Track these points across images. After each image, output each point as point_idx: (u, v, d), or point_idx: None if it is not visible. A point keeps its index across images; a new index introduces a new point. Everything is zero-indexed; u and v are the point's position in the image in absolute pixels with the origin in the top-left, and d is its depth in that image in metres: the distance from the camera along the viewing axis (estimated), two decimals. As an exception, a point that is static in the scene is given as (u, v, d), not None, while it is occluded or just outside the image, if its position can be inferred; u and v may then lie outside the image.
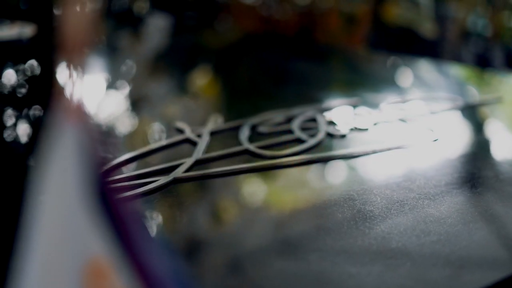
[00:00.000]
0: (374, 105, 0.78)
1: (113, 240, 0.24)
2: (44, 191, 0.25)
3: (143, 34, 1.51)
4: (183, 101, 0.88)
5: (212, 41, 1.48)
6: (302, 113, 0.71)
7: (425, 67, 1.18)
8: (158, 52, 1.29)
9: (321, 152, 0.61)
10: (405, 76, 1.08)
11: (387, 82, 1.04)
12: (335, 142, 0.65)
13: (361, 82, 1.02)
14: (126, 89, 0.91)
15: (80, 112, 0.24)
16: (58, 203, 0.25)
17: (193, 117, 0.76)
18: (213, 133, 0.65)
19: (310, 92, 0.93)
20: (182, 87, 1.00)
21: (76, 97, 0.24)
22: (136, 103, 0.85)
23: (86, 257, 0.25)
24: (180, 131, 0.65)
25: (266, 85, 1.02)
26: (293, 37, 1.56)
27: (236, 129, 0.67)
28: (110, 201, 0.24)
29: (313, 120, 0.70)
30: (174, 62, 1.16)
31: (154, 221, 0.47)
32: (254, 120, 0.69)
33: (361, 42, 1.65)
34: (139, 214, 0.42)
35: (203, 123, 0.67)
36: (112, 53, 1.22)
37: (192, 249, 0.44)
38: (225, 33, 1.54)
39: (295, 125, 0.67)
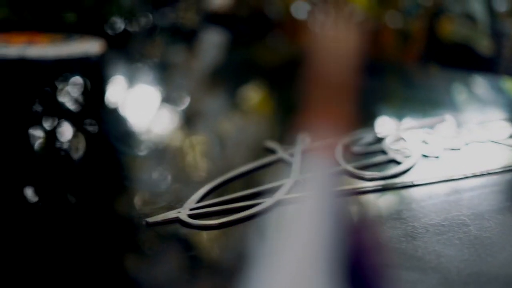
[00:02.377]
0: (458, 124, 0.76)
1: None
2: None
3: (197, 49, 1.50)
4: (254, 119, 0.87)
5: (267, 56, 1.47)
6: (390, 133, 0.70)
7: (486, 84, 1.16)
8: (213, 68, 1.28)
9: (419, 174, 0.59)
10: (470, 93, 1.06)
11: (456, 100, 1.02)
12: (431, 163, 0.63)
13: (429, 99, 0.99)
14: (192, 108, 0.90)
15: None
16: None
17: (269, 135, 0.74)
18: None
19: (382, 110, 0.91)
20: (243, 104, 0.98)
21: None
22: (210, 123, 0.84)
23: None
24: (271, 151, 0.64)
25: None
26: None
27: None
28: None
29: (403, 140, 0.68)
30: (230, 78, 1.15)
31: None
32: (345, 139, 0.67)
33: (416, 58, 1.62)
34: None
35: (281, 141, 0.66)
36: (165, 68, 1.21)
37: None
38: (279, 48, 1.52)
39: (387, 145, 0.65)
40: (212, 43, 1.56)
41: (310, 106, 0.95)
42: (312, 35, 1.30)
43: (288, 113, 0.89)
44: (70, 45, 1.08)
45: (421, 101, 0.97)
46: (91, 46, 1.08)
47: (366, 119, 0.83)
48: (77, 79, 1.02)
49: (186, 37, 1.56)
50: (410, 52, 1.63)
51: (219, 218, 0.48)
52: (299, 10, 1.65)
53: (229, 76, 1.18)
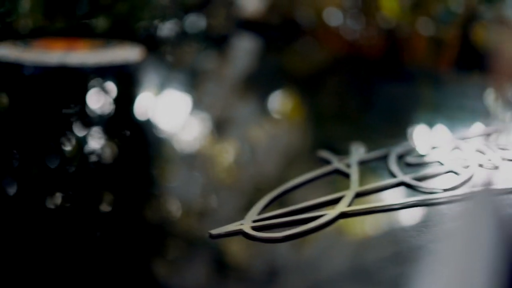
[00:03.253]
0: (507, 133, 0.75)
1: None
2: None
3: (229, 55, 1.50)
4: (299, 127, 0.86)
5: (300, 63, 1.47)
6: (442, 142, 0.69)
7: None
8: (248, 75, 1.27)
9: (479, 186, 0.58)
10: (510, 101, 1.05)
11: (497, 108, 1.01)
12: (492, 173, 0.61)
13: (471, 107, 0.98)
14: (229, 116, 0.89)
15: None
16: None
17: (319, 144, 0.73)
18: (360, 163, 0.62)
19: (425, 118, 0.90)
20: (284, 112, 0.98)
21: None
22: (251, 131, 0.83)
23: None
24: (326, 161, 0.63)
25: (369, 111, 0.99)
26: (380, 60, 1.54)
27: (382, 159, 0.64)
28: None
29: (457, 149, 0.67)
30: (266, 85, 1.14)
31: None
32: (399, 149, 0.66)
33: (449, 64, 1.61)
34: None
35: (333, 150, 0.65)
36: (197, 75, 1.20)
37: None
38: (310, 56, 1.52)
39: (443, 155, 0.64)
40: (245, 49, 1.55)
41: (355, 114, 0.94)
42: (344, 42, 1.30)
43: (333, 122, 0.88)
44: (110, 52, 1.08)
45: (462, 109, 0.96)
46: (130, 53, 1.08)
47: (412, 128, 0.82)
48: (118, 86, 1.02)
49: (218, 43, 1.56)
50: (443, 59, 1.62)
51: (283, 231, 0.47)
52: (331, 17, 1.64)
53: (264, 83, 1.17)
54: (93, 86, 0.99)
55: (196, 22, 1.61)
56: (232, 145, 0.74)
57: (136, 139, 0.78)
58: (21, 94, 0.94)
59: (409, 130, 0.80)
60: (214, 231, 0.47)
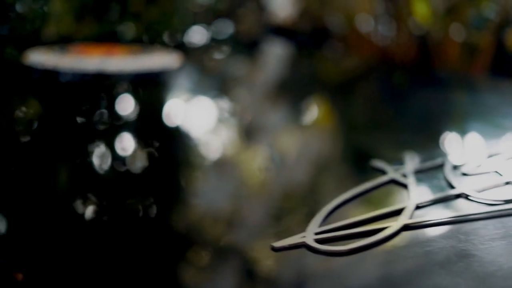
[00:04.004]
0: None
1: None
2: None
3: (258, 61, 1.49)
4: (345, 136, 0.85)
5: (333, 69, 1.45)
6: (496, 152, 0.67)
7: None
8: (278, 81, 1.26)
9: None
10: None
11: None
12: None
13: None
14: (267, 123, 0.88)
15: None
16: None
17: (369, 153, 0.72)
18: (416, 173, 0.61)
19: (471, 126, 0.89)
20: (326, 120, 0.96)
21: None
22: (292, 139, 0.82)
23: None
24: (381, 170, 0.62)
25: (408, 118, 0.98)
26: (412, 66, 1.52)
27: (437, 168, 0.63)
28: None
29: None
30: (301, 92, 1.13)
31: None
32: (453, 158, 0.64)
33: (483, 70, 1.59)
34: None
35: (385, 160, 0.63)
36: (230, 81, 1.20)
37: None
38: (342, 62, 1.50)
39: (498, 165, 0.63)
40: (276, 55, 1.54)
41: (393, 122, 0.92)
42: (376, 48, 1.29)
43: (374, 130, 0.87)
44: (147, 58, 1.07)
45: (506, 116, 0.94)
46: (167, 59, 1.07)
47: (459, 136, 0.80)
48: (154, 93, 1.02)
49: (249, 49, 1.55)
50: (477, 65, 1.60)
51: (346, 243, 0.46)
52: (362, 23, 1.62)
53: (298, 89, 1.16)
54: (131, 93, 0.99)
55: (226, 28, 1.60)
56: (280, 155, 0.73)
57: (178, 147, 0.77)
58: (59, 101, 0.93)
59: (456, 139, 0.79)
60: (277, 244, 0.46)
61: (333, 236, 0.48)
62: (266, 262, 0.46)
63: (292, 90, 1.16)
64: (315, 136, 0.86)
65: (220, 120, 0.90)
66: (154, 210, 0.55)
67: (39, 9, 1.51)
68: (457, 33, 1.58)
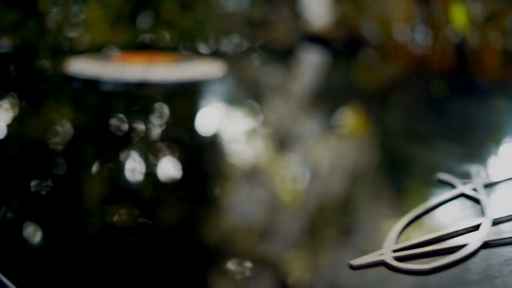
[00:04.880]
0: None
1: None
2: None
3: (294, 69, 1.47)
4: (401, 146, 0.83)
5: (367, 78, 1.44)
6: None
7: None
8: (314, 89, 1.24)
9: None
10: None
11: None
12: None
13: None
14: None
15: None
16: None
17: (430, 165, 0.70)
18: (486, 187, 0.59)
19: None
20: (377, 130, 0.95)
21: None
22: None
23: None
24: (449, 184, 0.60)
25: (456, 128, 0.96)
26: (450, 74, 1.50)
27: (507, 182, 0.61)
28: None
29: None
30: (342, 100, 1.11)
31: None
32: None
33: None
34: None
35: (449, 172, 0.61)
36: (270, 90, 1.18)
37: None
38: (379, 70, 1.48)
39: None
40: (312, 63, 1.53)
41: (440, 132, 0.90)
42: (412, 56, 1.26)
43: (422, 140, 0.85)
44: (190, 67, 1.06)
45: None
46: (210, 68, 1.06)
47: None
48: (196, 102, 1.00)
49: (284, 57, 1.53)
50: (516, 73, 1.58)
51: (426, 261, 0.44)
52: (399, 31, 1.61)
53: (338, 98, 1.14)
54: (173, 102, 0.97)
55: (261, 36, 1.59)
56: (338, 167, 0.71)
57: (222, 157, 0.76)
58: (103, 111, 0.92)
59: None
60: (355, 262, 0.44)
61: (412, 253, 0.46)
62: (344, 281, 0.44)
63: (330, 99, 1.14)
64: (367, 147, 0.84)
65: (264, 130, 0.88)
66: (200, 219, 0.54)
67: (74, 17, 1.50)
68: (496, 40, 1.56)
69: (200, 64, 1.07)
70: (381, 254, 0.46)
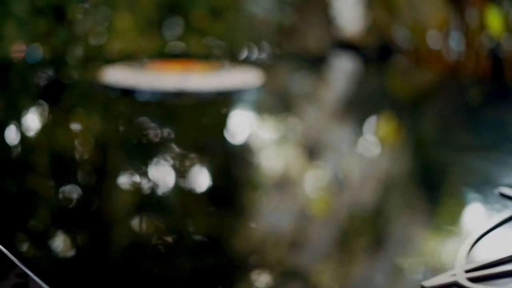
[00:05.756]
0: None
1: None
2: None
3: (326, 76, 1.46)
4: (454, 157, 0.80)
5: (402, 85, 1.41)
6: None
7: None
8: (346, 97, 1.22)
9: None
10: None
11: None
12: None
13: None
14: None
15: None
16: None
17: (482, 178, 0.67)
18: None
19: None
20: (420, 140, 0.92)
21: None
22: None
23: None
24: (508, 197, 0.57)
25: (496, 137, 0.93)
26: (485, 80, 1.47)
27: None
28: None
29: None
30: (370, 107, 1.09)
31: None
32: None
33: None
34: None
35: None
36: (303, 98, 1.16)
37: None
38: (413, 77, 1.46)
39: None
40: (344, 70, 1.51)
41: (483, 142, 0.87)
42: (446, 63, 1.23)
43: (465, 151, 0.82)
44: (228, 75, 1.04)
45: None
46: (247, 76, 1.04)
47: None
48: (235, 112, 0.99)
49: (316, 64, 1.52)
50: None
51: (505, 283, 0.42)
52: (432, 37, 1.58)
53: (373, 106, 1.12)
54: (212, 112, 0.96)
55: (292, 43, 1.57)
56: (391, 179, 0.69)
57: (257, 167, 0.74)
58: (141, 121, 0.91)
59: None
60: (427, 283, 0.42)
61: (487, 274, 0.44)
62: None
63: (363, 107, 1.12)
64: (410, 157, 0.82)
65: (298, 139, 0.86)
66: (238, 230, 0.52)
67: (103, 25, 1.50)
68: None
69: (236, 72, 1.05)
70: (454, 275, 0.43)
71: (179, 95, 0.98)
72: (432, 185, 0.66)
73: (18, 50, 1.32)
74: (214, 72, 1.03)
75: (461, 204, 0.60)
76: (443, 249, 0.48)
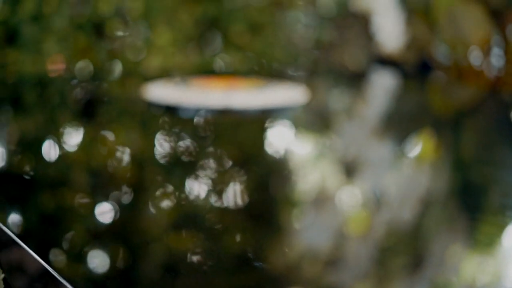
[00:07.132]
0: None
1: None
2: None
3: (364, 92, 1.45)
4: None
5: (442, 102, 1.40)
6: None
7: None
8: (385, 113, 1.21)
9: None
10: None
11: None
12: None
13: None
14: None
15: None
16: None
17: None
18: None
19: None
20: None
21: None
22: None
23: None
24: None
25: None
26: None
27: None
28: None
29: None
30: (409, 124, 1.08)
31: None
32: None
33: None
34: None
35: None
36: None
37: None
38: (451, 93, 1.44)
39: None
40: (383, 87, 1.50)
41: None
42: (487, 79, 1.21)
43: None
44: (271, 92, 1.04)
45: None
46: (291, 94, 1.04)
47: None
48: (279, 129, 0.98)
49: (355, 80, 1.51)
50: None
51: None
52: (472, 54, 1.57)
53: (413, 123, 1.11)
54: (258, 130, 0.96)
55: (332, 59, 1.57)
56: (434, 198, 0.68)
57: (292, 185, 0.73)
58: (185, 138, 0.91)
59: None
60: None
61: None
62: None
63: (403, 123, 1.11)
64: (452, 175, 0.81)
65: (337, 156, 0.85)
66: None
67: (142, 41, 1.51)
68: None
69: (279, 89, 1.05)
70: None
71: (224, 112, 0.98)
72: (473, 203, 0.65)
73: (57, 65, 1.33)
74: (257, 89, 1.03)
75: (503, 223, 0.59)
76: (483, 269, 0.47)
